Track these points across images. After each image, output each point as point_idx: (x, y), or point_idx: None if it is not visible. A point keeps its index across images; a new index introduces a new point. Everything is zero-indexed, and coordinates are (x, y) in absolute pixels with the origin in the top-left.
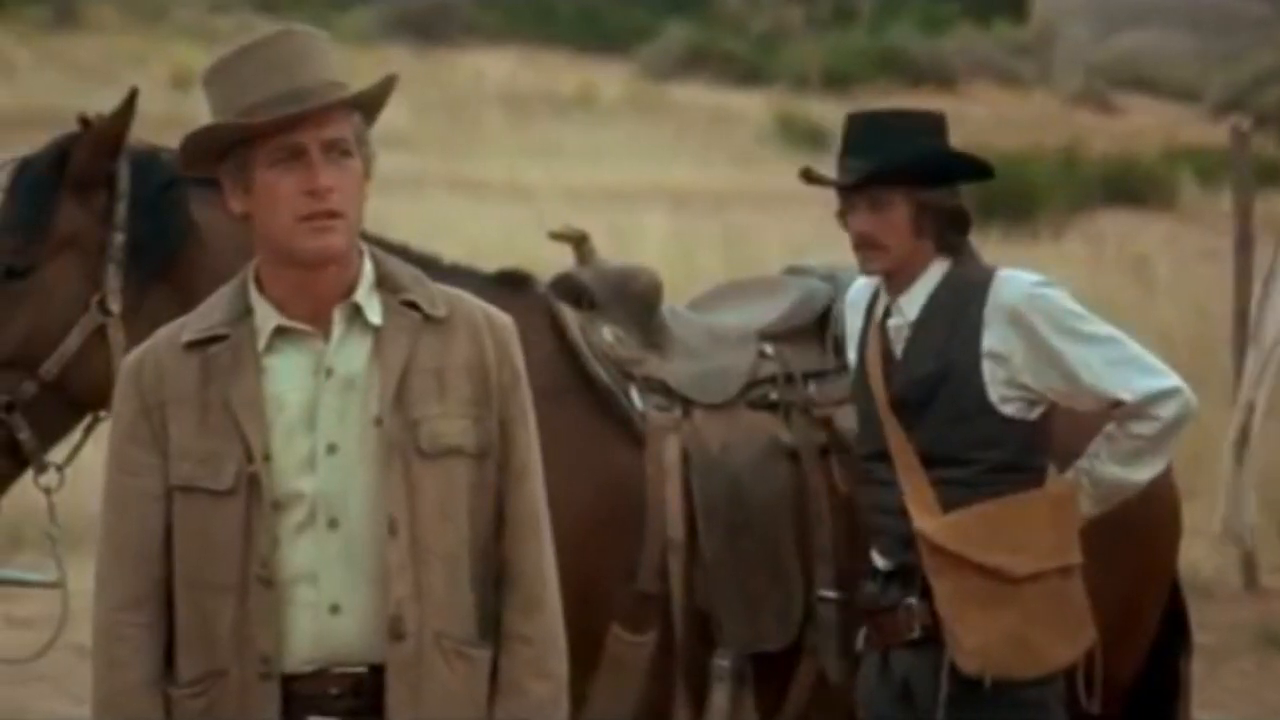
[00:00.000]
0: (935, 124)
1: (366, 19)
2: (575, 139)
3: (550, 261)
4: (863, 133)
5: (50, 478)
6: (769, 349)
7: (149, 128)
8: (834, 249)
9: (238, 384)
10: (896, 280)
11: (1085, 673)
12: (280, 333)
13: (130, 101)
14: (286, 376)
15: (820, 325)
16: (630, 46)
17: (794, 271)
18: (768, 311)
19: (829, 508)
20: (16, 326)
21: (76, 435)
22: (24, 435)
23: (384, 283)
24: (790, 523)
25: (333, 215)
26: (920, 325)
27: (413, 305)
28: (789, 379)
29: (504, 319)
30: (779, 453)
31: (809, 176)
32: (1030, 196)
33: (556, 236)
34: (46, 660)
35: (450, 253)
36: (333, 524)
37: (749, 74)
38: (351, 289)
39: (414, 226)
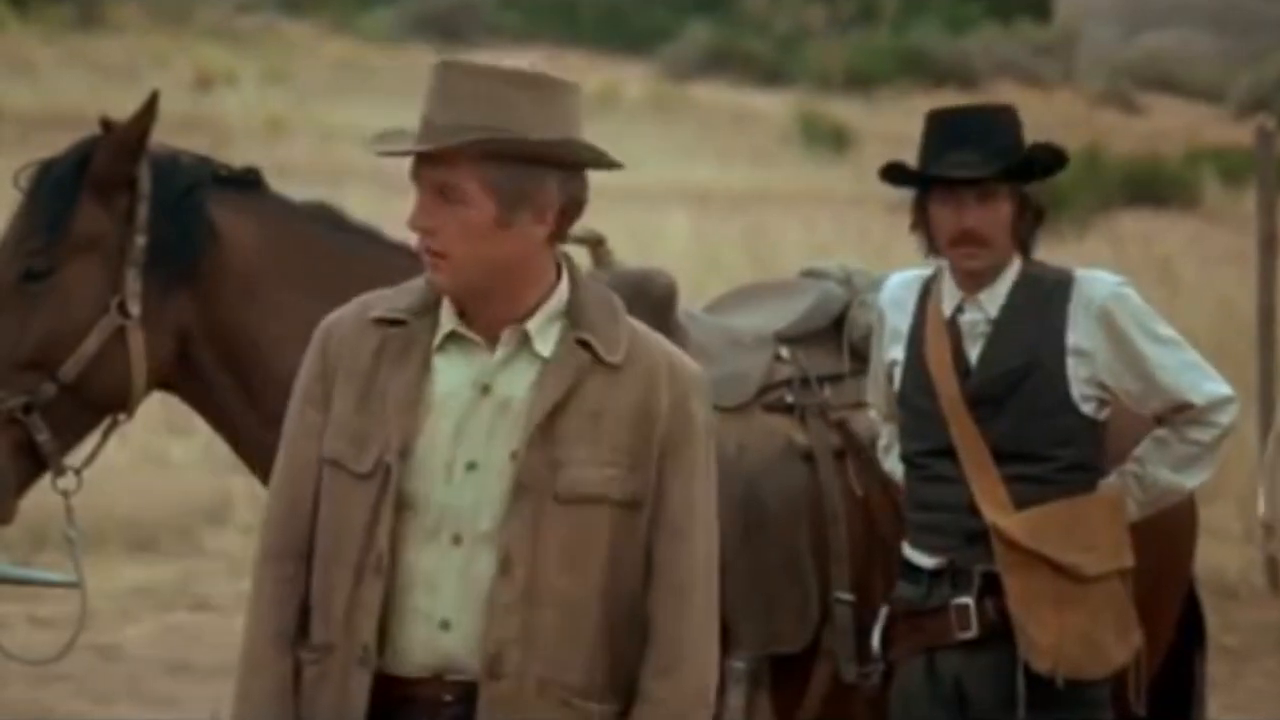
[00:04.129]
0: (1017, 119)
1: (389, 19)
2: (596, 139)
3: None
4: (964, 127)
5: (69, 480)
6: (785, 352)
7: (172, 128)
8: (854, 250)
9: (401, 374)
10: (979, 277)
11: (1135, 673)
12: (453, 337)
13: (151, 104)
14: (448, 381)
15: (836, 328)
16: (652, 47)
17: (810, 274)
18: (784, 315)
19: (844, 510)
20: (36, 328)
21: (95, 438)
22: (43, 437)
23: (572, 314)
24: (806, 525)
25: (433, 254)
26: (1002, 322)
27: (586, 345)
28: (804, 382)
29: (690, 369)
30: (794, 455)
31: (896, 172)
32: (1053, 197)
33: (573, 239)
34: (68, 660)
35: None
36: (456, 540)
37: (771, 74)
38: (527, 315)
39: None
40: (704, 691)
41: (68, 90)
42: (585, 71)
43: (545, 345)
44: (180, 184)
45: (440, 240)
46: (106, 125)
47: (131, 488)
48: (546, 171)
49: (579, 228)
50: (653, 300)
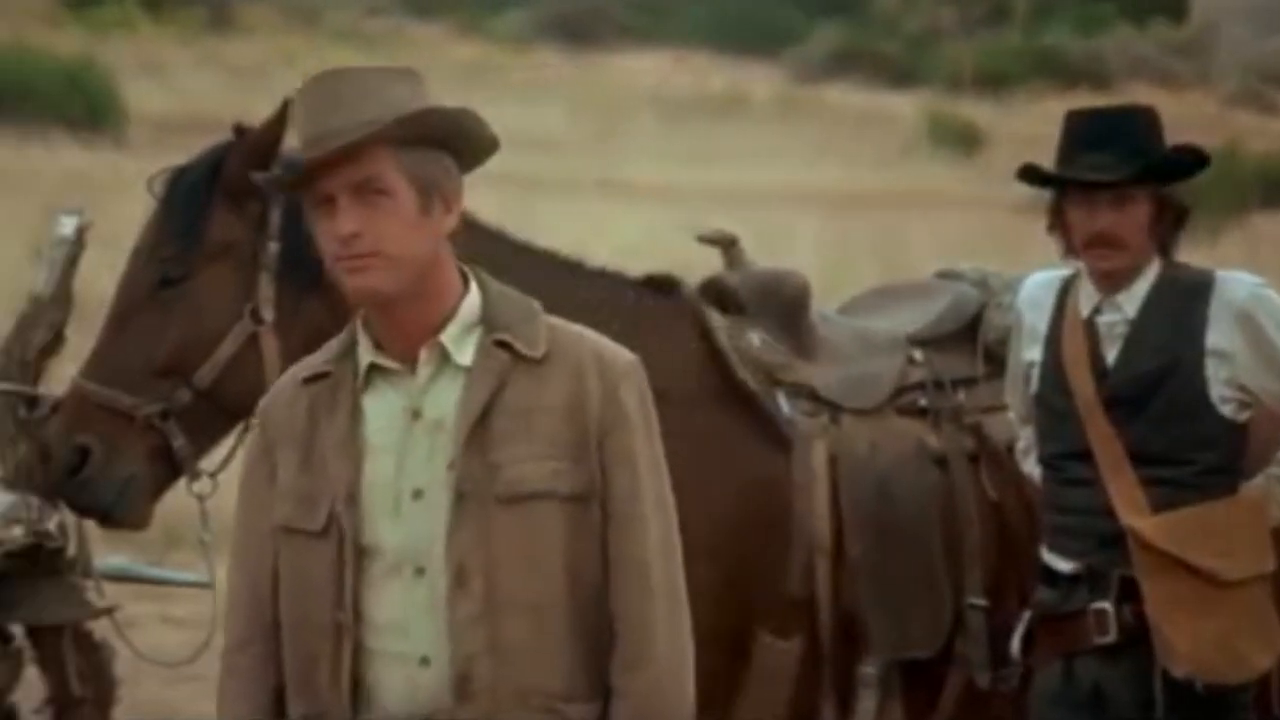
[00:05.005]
0: (1157, 120)
1: (519, 22)
2: (726, 141)
3: (699, 264)
4: (1101, 129)
5: (203, 485)
6: (918, 355)
7: None
8: (983, 252)
9: (332, 423)
10: (1116, 278)
11: (1278, 679)
12: (376, 371)
13: (284, 110)
14: (378, 417)
15: (970, 331)
16: (782, 48)
17: (945, 276)
18: (917, 317)
19: (978, 514)
20: (171, 335)
21: (229, 442)
22: (178, 443)
23: (487, 318)
24: (939, 529)
25: (361, 257)
26: (1141, 323)
27: (505, 345)
28: (938, 385)
29: (620, 358)
30: (927, 459)
31: (1032, 174)
32: (1187, 198)
33: (705, 240)
34: (200, 661)
35: (599, 255)
36: (419, 572)
37: (901, 75)
38: (441, 328)
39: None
40: (675, 680)
41: (199, 92)
42: (714, 73)
43: (464, 355)
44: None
45: (369, 239)
46: (240, 131)
47: None
48: (446, 156)
49: (711, 229)
50: (785, 301)
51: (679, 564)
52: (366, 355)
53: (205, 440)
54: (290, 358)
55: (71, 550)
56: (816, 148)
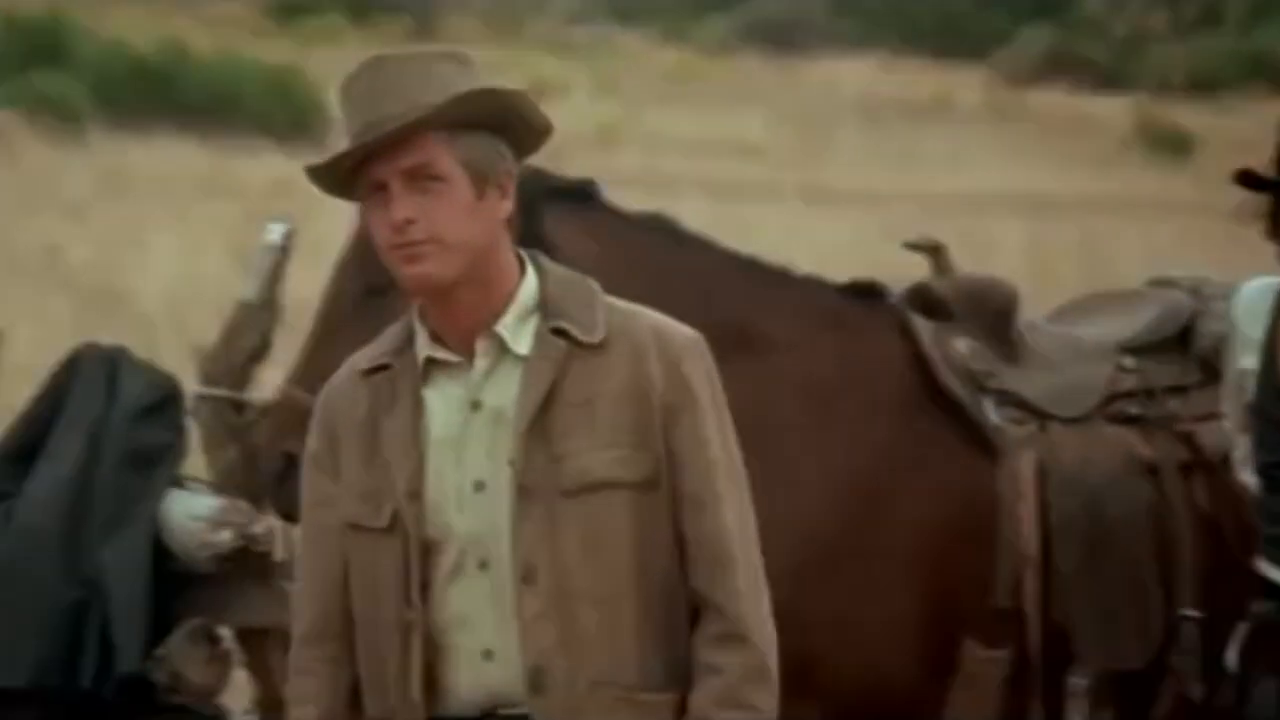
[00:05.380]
0: None
1: (722, 27)
2: (931, 146)
3: (903, 270)
4: None
5: None
6: (1129, 362)
7: None
8: (1195, 259)
9: (394, 417)
10: None
11: None
12: (433, 364)
13: None
14: (440, 409)
15: (1183, 339)
16: (989, 52)
17: (1158, 283)
18: (1128, 324)
19: (1190, 525)
20: None
21: None
22: None
23: (544, 305)
24: (1150, 540)
25: (416, 244)
26: None
27: (562, 332)
28: (1149, 393)
29: (680, 337)
30: (1138, 468)
31: (1249, 178)
32: None
33: (912, 246)
34: None
35: (802, 261)
36: (483, 566)
37: (1110, 79)
38: (498, 317)
39: (767, 234)
40: (766, 664)
41: None
42: (919, 78)
43: (522, 344)
44: (515, 198)
45: (424, 226)
46: None
47: None
48: (500, 141)
49: (918, 236)
50: (993, 308)
51: (754, 540)
52: (424, 349)
53: None
54: None
55: (279, 554)
56: (1023, 152)
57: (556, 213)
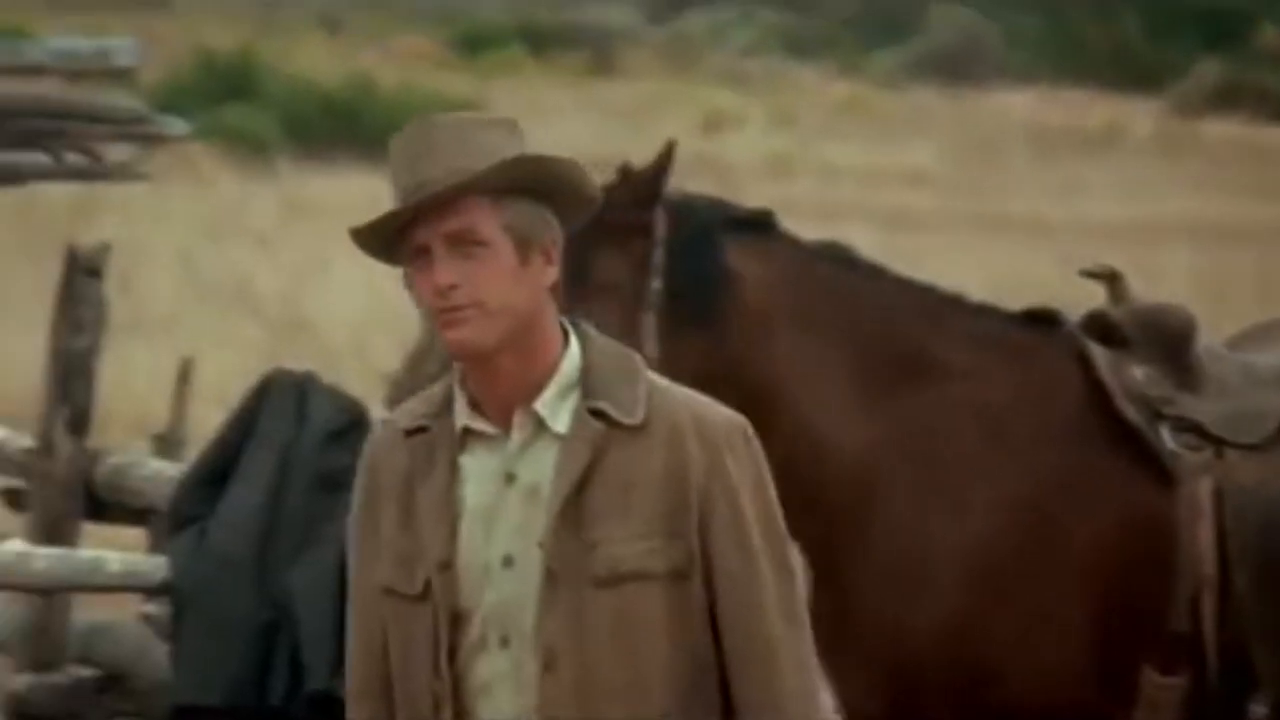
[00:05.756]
0: None
1: (896, 60)
2: (1101, 175)
3: (1074, 298)
4: None
5: None
6: None
7: (680, 171)
8: None
9: (429, 484)
10: None
11: None
12: (470, 432)
13: (668, 152)
14: (475, 479)
15: None
16: (1161, 83)
17: None
18: None
19: None
20: None
21: None
22: None
23: (585, 381)
24: None
25: (459, 309)
26: None
27: (601, 413)
28: None
29: (720, 422)
30: None
31: None
32: None
33: (1089, 274)
34: None
35: (974, 289)
36: (504, 642)
37: None
38: (538, 389)
39: (940, 263)
40: None
41: (582, 133)
42: (1090, 109)
43: (560, 422)
44: (694, 228)
45: (467, 291)
46: (624, 172)
47: None
48: (545, 208)
49: (1093, 263)
50: (1170, 335)
51: (805, 631)
52: (462, 417)
53: None
54: None
55: None
56: (1195, 182)
57: (736, 242)
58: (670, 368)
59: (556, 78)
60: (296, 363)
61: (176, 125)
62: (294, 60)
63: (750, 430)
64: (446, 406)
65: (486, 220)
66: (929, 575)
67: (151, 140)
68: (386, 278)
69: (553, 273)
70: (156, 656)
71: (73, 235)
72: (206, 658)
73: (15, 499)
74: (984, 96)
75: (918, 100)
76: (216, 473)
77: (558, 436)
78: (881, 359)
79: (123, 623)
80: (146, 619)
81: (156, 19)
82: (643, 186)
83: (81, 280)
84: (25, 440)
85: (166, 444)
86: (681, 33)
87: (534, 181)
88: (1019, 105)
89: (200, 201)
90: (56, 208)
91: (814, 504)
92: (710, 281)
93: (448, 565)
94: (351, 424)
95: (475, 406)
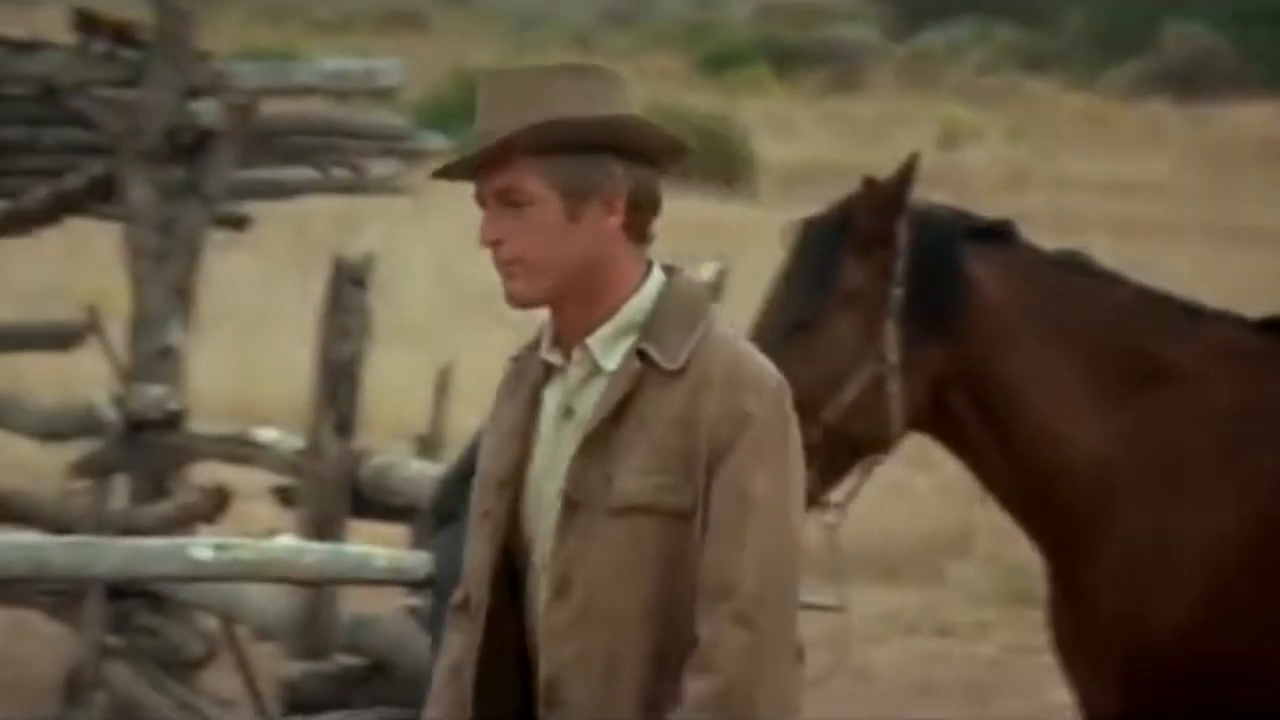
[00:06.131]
0: None
1: (1129, 74)
2: None
3: None
4: None
5: (831, 515)
6: None
7: (919, 183)
8: None
9: (509, 410)
10: None
11: None
12: (550, 366)
13: (912, 164)
14: (548, 411)
15: None
16: None
17: None
18: None
19: None
20: (802, 376)
21: (854, 476)
22: (809, 477)
23: (645, 325)
24: None
25: (507, 264)
26: None
27: (644, 355)
28: None
29: (749, 374)
30: None
31: None
32: None
33: None
34: (832, 682)
35: (1210, 298)
36: (543, 568)
37: None
38: (596, 328)
39: (1174, 272)
40: (724, 693)
41: (823, 147)
42: None
43: (610, 359)
44: (936, 238)
45: (511, 246)
46: (869, 184)
47: (877, 518)
48: (607, 158)
49: None
50: None
51: (784, 598)
52: (543, 350)
53: (832, 475)
54: (912, 400)
55: None
56: None
57: (977, 251)
58: (911, 371)
59: (799, 94)
60: None
61: (436, 141)
62: None
63: (782, 394)
64: (539, 340)
65: (530, 177)
66: (1170, 575)
67: (412, 156)
68: None
69: (616, 220)
70: (418, 647)
71: (338, 247)
72: None
73: (287, 497)
74: (1218, 109)
75: (1151, 113)
76: (474, 471)
77: (607, 374)
78: (1119, 365)
79: (387, 615)
80: (410, 611)
81: (416, 40)
82: (886, 197)
83: (347, 290)
84: (296, 442)
85: (427, 445)
86: (920, 50)
87: (583, 137)
88: (1254, 117)
89: (456, 214)
90: (323, 221)
91: (1052, 505)
92: (951, 289)
93: (505, 485)
94: None
95: (556, 341)
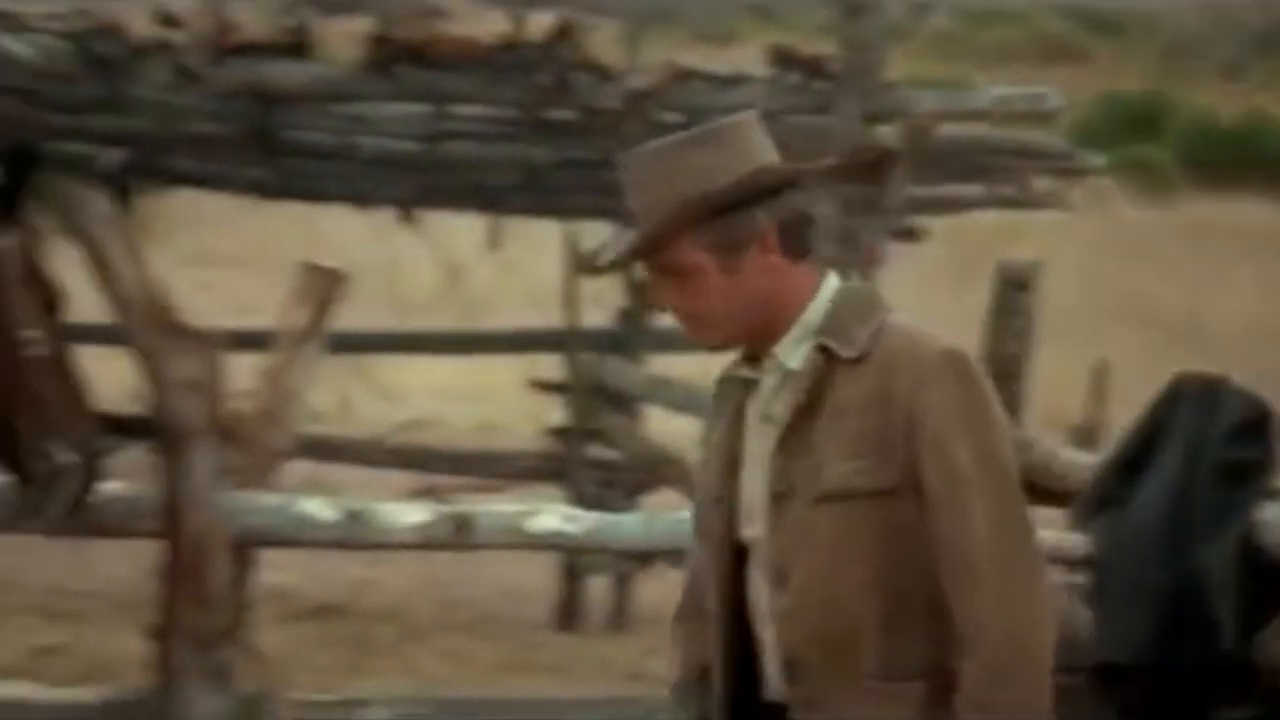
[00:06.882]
0: None
1: None
2: None
3: None
4: None
5: None
6: None
7: None
8: None
9: (717, 426)
10: None
11: None
12: (748, 381)
13: None
14: (751, 423)
15: None
16: None
17: None
18: None
19: None
20: None
21: None
22: None
23: (823, 325)
24: None
25: (683, 322)
26: None
27: (824, 349)
28: None
29: (931, 352)
30: None
31: None
32: None
33: None
34: None
35: None
36: (762, 565)
37: None
38: (779, 339)
39: None
40: (1005, 668)
41: None
42: None
43: (795, 360)
44: None
45: (683, 310)
46: None
47: None
48: (749, 208)
49: None
50: None
51: (1020, 550)
52: (740, 367)
53: None
54: None
55: None
56: None
57: None
58: None
59: None
60: (1194, 368)
61: (1093, 160)
62: (1194, 101)
63: (968, 359)
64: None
65: (682, 249)
66: None
67: (1070, 174)
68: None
69: (773, 256)
70: (1079, 621)
71: (998, 256)
72: (1122, 622)
73: None
74: None
75: None
76: (1131, 462)
77: (794, 374)
78: None
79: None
80: (1070, 588)
81: (1073, 71)
82: None
83: (1011, 294)
84: None
85: (1083, 435)
86: None
87: (722, 203)
88: None
89: (1107, 227)
90: (983, 233)
91: None
92: None
93: (720, 500)
94: (1257, 420)
95: (748, 357)
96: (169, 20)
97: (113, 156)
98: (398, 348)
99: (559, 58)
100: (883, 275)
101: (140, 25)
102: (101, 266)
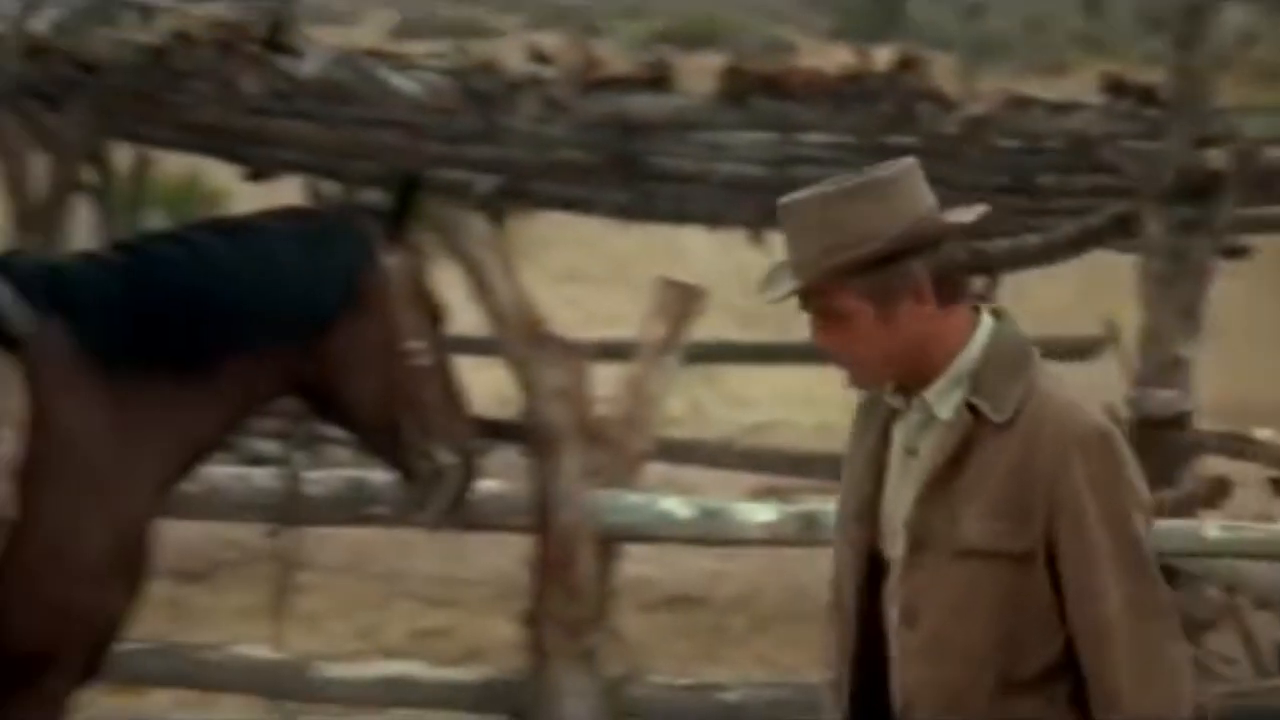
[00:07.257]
0: None
1: None
2: None
3: None
4: None
5: None
6: None
7: None
8: None
9: (863, 444)
10: None
11: None
12: (894, 408)
13: None
14: (896, 448)
15: None
16: None
17: None
18: None
19: None
20: None
21: None
22: None
23: (974, 376)
24: None
25: (839, 361)
26: None
27: (975, 408)
28: None
29: (1077, 425)
30: None
31: None
32: None
33: None
34: None
35: None
36: (894, 592)
37: None
38: (932, 380)
39: None
40: None
41: None
42: None
43: (945, 409)
44: None
45: (839, 353)
46: None
47: None
48: (906, 260)
49: None
50: None
51: (1156, 626)
52: (887, 395)
53: None
54: None
55: None
56: None
57: None
58: None
59: None
60: None
61: None
62: None
63: (1113, 437)
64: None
65: (840, 296)
66: None
67: None
68: None
69: (929, 307)
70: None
71: None
72: None
73: None
74: None
75: None
76: None
77: (942, 421)
78: None
79: None
80: None
81: None
82: None
83: None
84: None
85: None
86: None
87: (878, 255)
88: None
89: None
90: None
91: None
92: None
93: (862, 516)
94: None
95: (897, 389)
96: (540, 56)
97: (488, 183)
98: (746, 358)
99: (901, 88)
100: (1211, 291)
101: (514, 61)
102: (478, 283)
